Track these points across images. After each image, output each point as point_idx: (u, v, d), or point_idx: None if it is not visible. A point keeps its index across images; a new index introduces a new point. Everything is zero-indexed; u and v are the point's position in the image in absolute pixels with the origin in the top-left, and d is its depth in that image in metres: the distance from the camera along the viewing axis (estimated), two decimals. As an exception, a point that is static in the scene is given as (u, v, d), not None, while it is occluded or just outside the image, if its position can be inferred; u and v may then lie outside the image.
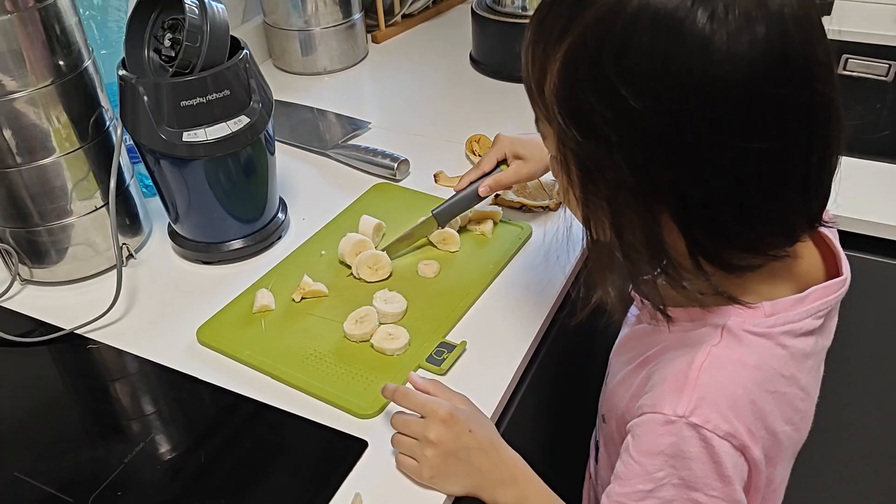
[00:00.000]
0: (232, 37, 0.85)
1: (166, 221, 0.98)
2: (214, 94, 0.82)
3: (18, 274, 0.90)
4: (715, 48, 0.47)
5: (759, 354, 0.56)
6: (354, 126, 1.19)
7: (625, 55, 0.49)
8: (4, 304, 0.89)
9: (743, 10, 0.47)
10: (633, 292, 0.63)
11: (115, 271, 0.93)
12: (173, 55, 0.83)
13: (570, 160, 0.56)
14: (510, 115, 1.19)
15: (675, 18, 0.48)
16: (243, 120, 0.85)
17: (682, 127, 0.49)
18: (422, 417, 0.66)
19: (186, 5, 0.79)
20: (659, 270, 0.57)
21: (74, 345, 0.84)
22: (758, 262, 0.56)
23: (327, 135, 1.17)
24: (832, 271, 0.62)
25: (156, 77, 0.85)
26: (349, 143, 1.14)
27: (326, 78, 1.37)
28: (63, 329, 0.84)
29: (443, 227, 0.92)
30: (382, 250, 0.89)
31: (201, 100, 0.81)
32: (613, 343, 0.75)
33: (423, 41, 1.49)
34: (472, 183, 0.92)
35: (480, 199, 0.92)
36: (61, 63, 0.82)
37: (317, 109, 1.24)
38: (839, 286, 0.60)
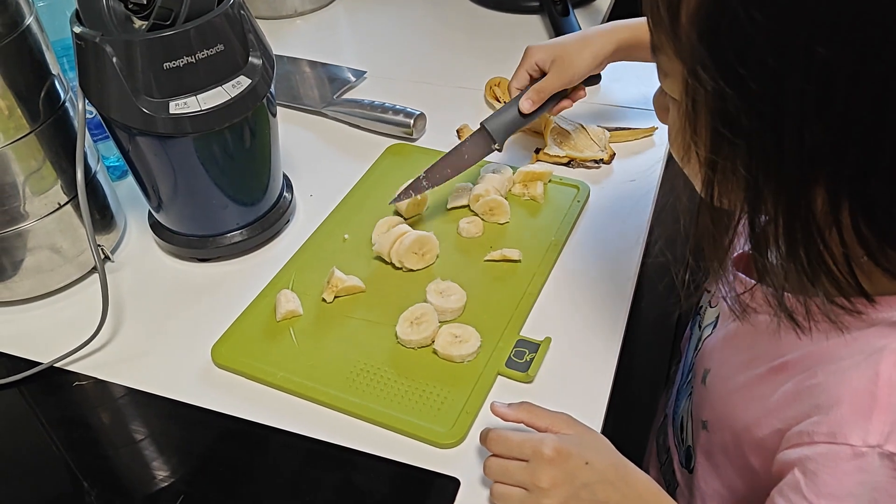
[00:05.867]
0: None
1: (143, 210, 0.80)
2: (206, 51, 0.64)
3: (-33, 295, 0.72)
4: None
5: None
6: (348, 77, 1.01)
7: None
8: (-47, 336, 0.71)
9: None
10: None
11: (87, 281, 0.76)
12: (145, 3, 0.64)
13: (701, 109, 0.43)
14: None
15: None
16: (243, 82, 0.67)
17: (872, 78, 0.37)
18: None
19: (161, -64, 0.60)
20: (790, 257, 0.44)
21: (56, 382, 0.66)
22: None
23: (318, 90, 0.99)
24: None
25: (125, 33, 0.66)
26: (346, 97, 0.96)
27: (299, 21, 1.18)
28: (39, 363, 0.67)
29: (501, 148, 0.78)
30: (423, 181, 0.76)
31: (189, 59, 0.63)
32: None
33: (402, -28, 1.30)
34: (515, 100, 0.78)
35: (530, 116, 0.78)
36: (-5, 22, 0.62)
37: (298, 59, 1.06)
38: None
